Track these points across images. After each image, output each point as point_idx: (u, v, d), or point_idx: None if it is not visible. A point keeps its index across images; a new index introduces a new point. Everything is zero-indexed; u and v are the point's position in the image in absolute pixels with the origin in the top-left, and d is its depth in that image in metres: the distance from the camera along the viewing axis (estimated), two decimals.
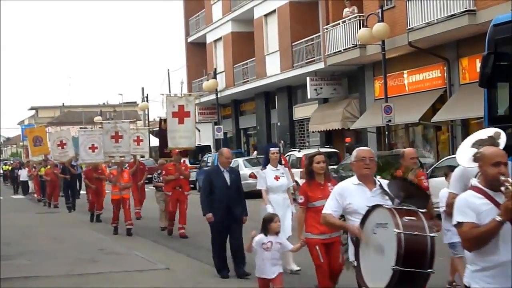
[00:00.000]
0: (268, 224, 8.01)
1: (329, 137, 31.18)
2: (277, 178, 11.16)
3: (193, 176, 27.39)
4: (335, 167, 23.58)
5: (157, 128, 24.78)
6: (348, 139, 30.56)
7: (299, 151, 26.20)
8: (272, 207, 10.74)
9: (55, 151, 26.61)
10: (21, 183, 40.06)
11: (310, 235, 8.17)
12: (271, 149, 11.39)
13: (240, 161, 29.89)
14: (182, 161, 17.16)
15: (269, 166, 11.27)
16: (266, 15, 35.41)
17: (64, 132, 27.60)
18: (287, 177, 11.38)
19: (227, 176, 11.03)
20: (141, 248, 14.93)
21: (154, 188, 19.07)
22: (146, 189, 22.55)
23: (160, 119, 19.77)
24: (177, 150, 16.69)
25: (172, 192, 16.62)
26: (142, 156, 22.71)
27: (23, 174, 38.92)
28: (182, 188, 16.68)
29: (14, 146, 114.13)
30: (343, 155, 27.28)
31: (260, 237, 8.03)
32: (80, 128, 37.10)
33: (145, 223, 19.93)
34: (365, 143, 27.90)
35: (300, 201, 8.45)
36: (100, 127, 31.48)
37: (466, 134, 22.50)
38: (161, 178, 17.97)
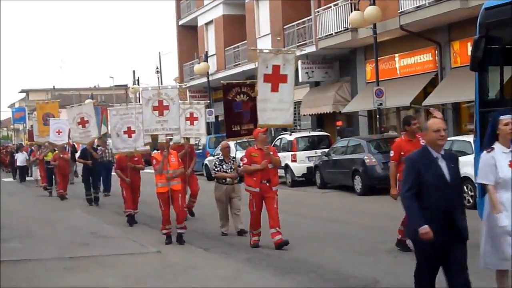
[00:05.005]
0: None
1: (320, 120, 31.17)
2: None
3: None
4: (326, 150, 23.69)
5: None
6: (339, 123, 30.58)
7: (290, 134, 26.19)
8: (507, 217, 6.78)
9: (75, 131, 20.97)
10: (18, 168, 37.39)
11: None
12: (501, 118, 7.02)
13: (231, 144, 29.83)
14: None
15: (498, 146, 6.99)
16: None
17: (86, 108, 21.34)
18: None
19: (444, 166, 6.28)
20: (132, 231, 14.97)
21: (215, 179, 14.75)
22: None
23: (224, 85, 14.24)
24: (262, 129, 12.43)
25: (259, 187, 12.07)
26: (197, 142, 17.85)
27: (20, 159, 36.49)
28: (270, 182, 12.16)
29: (5, 129, 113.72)
30: (334, 139, 27.30)
31: None
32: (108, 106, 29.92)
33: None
34: (357, 127, 27.98)
35: None
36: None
37: (457, 117, 22.60)
38: (232, 167, 14.30)
